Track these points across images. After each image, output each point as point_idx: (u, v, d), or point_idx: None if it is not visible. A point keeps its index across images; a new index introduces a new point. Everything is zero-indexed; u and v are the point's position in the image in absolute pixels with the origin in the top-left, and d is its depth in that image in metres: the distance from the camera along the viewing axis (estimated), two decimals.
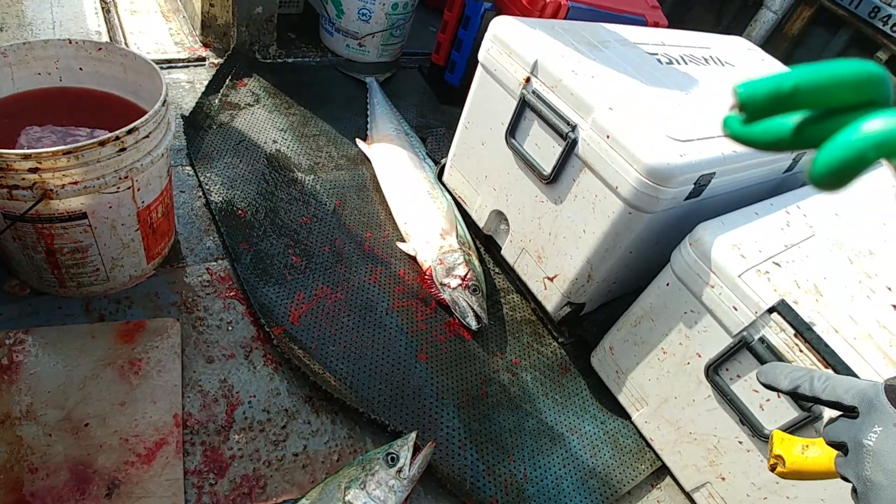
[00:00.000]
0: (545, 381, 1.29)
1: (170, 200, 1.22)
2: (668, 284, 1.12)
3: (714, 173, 1.11)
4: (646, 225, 1.12)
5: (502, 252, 1.41)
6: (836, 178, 0.32)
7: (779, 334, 0.98)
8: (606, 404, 1.30)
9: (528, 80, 1.22)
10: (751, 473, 1.09)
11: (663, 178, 1.04)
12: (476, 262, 1.38)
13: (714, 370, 1.07)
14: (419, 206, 1.44)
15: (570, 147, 1.14)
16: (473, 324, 1.27)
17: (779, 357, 0.98)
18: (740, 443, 1.09)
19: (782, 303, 0.96)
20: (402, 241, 1.43)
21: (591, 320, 1.37)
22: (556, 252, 1.26)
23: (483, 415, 1.18)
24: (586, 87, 1.13)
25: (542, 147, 1.22)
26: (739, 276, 1.01)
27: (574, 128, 1.14)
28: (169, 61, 1.69)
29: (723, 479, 1.14)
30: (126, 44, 1.70)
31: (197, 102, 1.56)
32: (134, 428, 0.98)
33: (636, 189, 1.06)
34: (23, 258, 1.07)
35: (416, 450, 1.01)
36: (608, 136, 1.09)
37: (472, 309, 1.28)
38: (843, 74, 0.32)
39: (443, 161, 1.56)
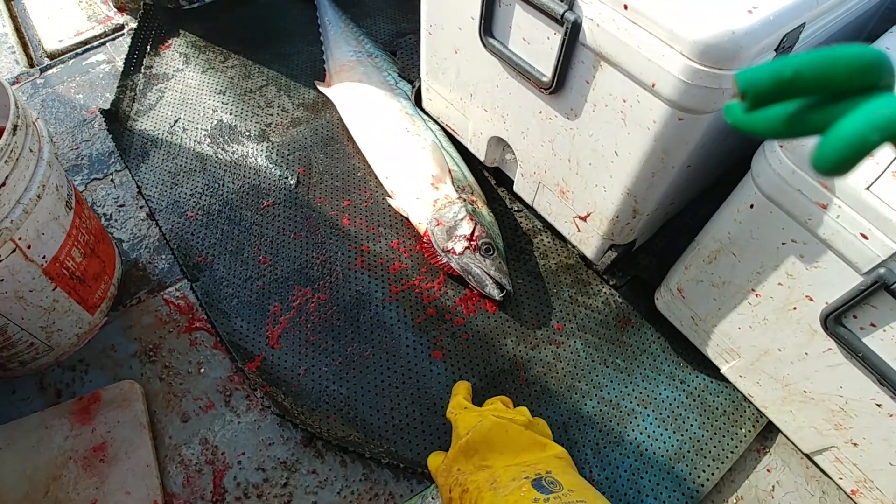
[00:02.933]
0: (601, 345, 0.97)
1: (90, 235, 0.94)
2: (752, 206, 0.73)
3: (803, 24, 0.66)
4: (706, 130, 0.71)
5: (515, 188, 1.04)
6: (840, 163, 0.30)
7: None
8: (685, 356, 0.97)
9: None
10: (895, 440, 0.75)
11: (726, 56, 0.61)
12: (484, 211, 1.02)
13: (836, 320, 0.71)
14: (399, 152, 1.08)
15: (573, 34, 0.72)
16: (496, 293, 0.95)
17: None
18: (879, 406, 0.74)
19: None
20: (391, 197, 1.09)
21: (646, 251, 1.00)
22: (584, 184, 0.87)
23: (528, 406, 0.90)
24: None
25: (534, 42, 0.80)
26: (868, 188, 0.60)
27: (572, 4, 0.71)
28: (85, 43, 1.33)
29: (854, 444, 0.81)
30: (37, 34, 1.35)
31: (117, 87, 1.22)
32: None
33: (685, 82, 0.64)
34: None
35: None
36: (626, 7, 0.66)
37: (489, 275, 0.95)
38: (845, 60, 0.31)
39: (416, 83, 1.15)
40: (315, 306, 0.97)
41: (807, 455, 0.91)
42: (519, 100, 0.88)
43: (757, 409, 0.93)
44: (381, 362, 0.92)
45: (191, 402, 0.90)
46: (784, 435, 0.92)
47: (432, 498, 0.76)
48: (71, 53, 1.30)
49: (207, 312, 0.96)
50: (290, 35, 1.37)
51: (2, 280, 0.79)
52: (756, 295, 0.80)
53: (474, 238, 0.97)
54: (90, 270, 0.93)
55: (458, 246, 0.97)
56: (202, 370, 0.93)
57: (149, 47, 1.29)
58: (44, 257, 0.83)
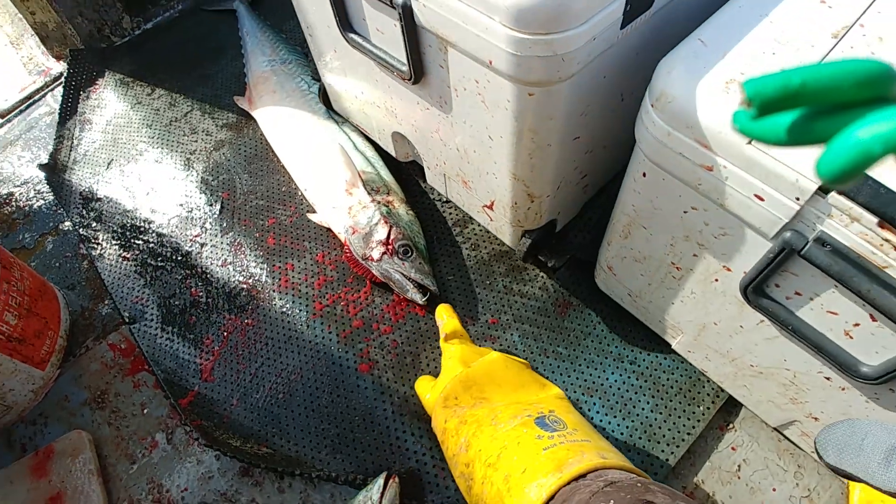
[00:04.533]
0: (539, 334, 0.89)
1: (24, 296, 0.95)
2: (644, 175, 0.63)
3: None
4: (569, 100, 0.61)
5: (428, 181, 0.96)
6: (843, 173, 0.30)
7: (849, 227, 0.48)
8: (633, 335, 0.88)
9: None
10: (855, 412, 0.64)
11: (548, 19, 0.51)
12: (402, 210, 0.96)
13: (757, 291, 0.61)
14: (312, 161, 1.02)
15: (408, 17, 0.63)
16: (418, 298, 0.89)
17: (858, 265, 0.49)
18: (828, 380, 0.64)
19: None
20: (312, 211, 1.04)
21: (579, 227, 0.91)
22: (477, 172, 0.79)
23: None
24: None
25: (387, 33, 0.72)
26: (750, 142, 0.50)
27: None
28: (28, 98, 1.34)
29: (815, 418, 0.71)
30: None
31: (54, 139, 1.22)
32: None
33: (514, 54, 0.55)
34: None
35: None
36: None
37: (410, 278, 0.89)
38: (852, 71, 0.30)
39: (320, 84, 1.08)
40: (244, 334, 0.94)
41: (776, 429, 0.81)
42: (397, 93, 0.80)
43: (716, 384, 0.83)
44: (310, 382, 0.89)
45: (137, 444, 0.91)
46: (748, 409, 0.82)
47: (376, 491, 0.73)
48: (16, 111, 1.33)
49: (144, 353, 0.96)
50: (217, 53, 1.33)
51: None
52: (677, 268, 0.70)
53: (390, 241, 0.91)
54: (29, 329, 0.95)
55: (376, 252, 0.91)
56: (146, 411, 0.93)
57: (81, 92, 1.29)
58: None
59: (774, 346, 0.66)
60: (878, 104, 0.31)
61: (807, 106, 0.32)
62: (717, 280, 0.66)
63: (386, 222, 0.92)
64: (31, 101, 1.34)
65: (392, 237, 0.90)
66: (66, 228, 1.13)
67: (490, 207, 0.83)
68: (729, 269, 0.63)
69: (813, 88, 0.31)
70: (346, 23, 0.76)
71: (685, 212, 0.62)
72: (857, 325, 0.55)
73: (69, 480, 0.88)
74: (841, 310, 0.55)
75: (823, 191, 0.48)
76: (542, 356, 0.88)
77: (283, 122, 1.08)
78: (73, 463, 0.89)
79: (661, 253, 0.70)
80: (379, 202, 0.94)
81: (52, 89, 1.34)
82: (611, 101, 0.70)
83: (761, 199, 0.53)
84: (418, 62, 0.69)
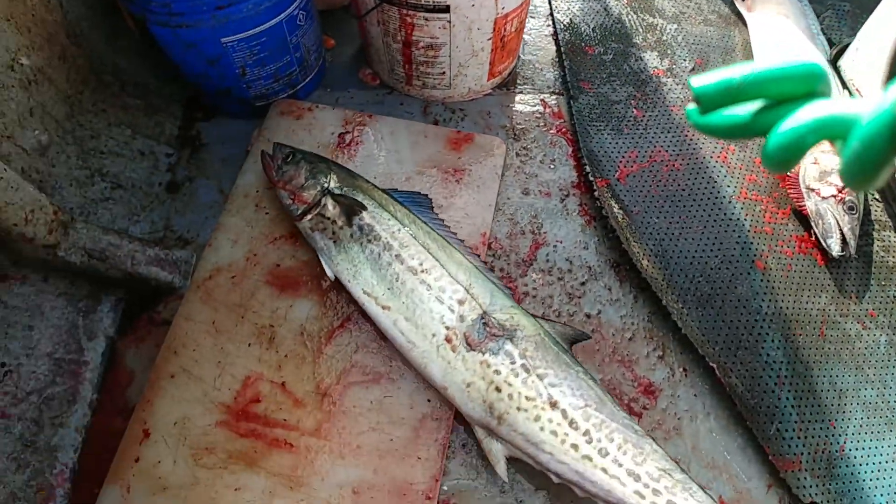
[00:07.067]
0: None
1: (524, 18, 1.07)
2: None
3: None
4: None
5: None
6: (782, 159, 0.34)
7: None
8: None
9: None
10: None
11: None
12: None
13: None
14: None
15: None
16: (836, 248, 0.95)
17: None
18: None
19: None
20: None
21: None
22: None
23: (813, 360, 0.90)
24: None
25: None
26: None
27: None
28: None
29: None
30: None
31: None
32: None
33: None
34: (381, 45, 1.04)
35: None
36: None
37: (840, 229, 0.95)
38: (786, 70, 0.35)
39: (846, 41, 1.14)
40: (668, 169, 1.03)
41: None
42: None
43: None
44: (706, 242, 0.95)
45: (534, 184, 1.02)
46: None
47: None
48: None
49: (576, 126, 1.06)
50: None
51: (473, 5, 0.93)
52: None
53: (844, 191, 0.96)
54: (510, 44, 1.07)
55: (826, 190, 0.97)
56: (553, 166, 1.04)
57: None
58: (503, 8, 0.97)
59: None
60: (809, 98, 0.35)
61: (746, 100, 0.37)
62: None
63: None
64: None
65: (847, 189, 0.96)
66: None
67: None
68: None
69: (751, 84, 0.35)
70: None
71: None
72: None
73: (475, 168, 1.00)
74: None
75: None
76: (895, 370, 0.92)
77: (778, 47, 1.15)
78: (485, 157, 1.01)
79: None
80: None
81: None
82: None
83: None
84: None
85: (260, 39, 0.95)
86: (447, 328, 0.77)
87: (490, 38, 1.01)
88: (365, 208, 0.84)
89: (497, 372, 0.74)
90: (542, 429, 0.71)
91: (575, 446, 0.70)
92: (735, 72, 0.36)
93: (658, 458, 0.71)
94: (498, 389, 0.73)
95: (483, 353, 0.75)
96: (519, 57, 1.15)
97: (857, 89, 1.09)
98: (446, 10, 0.94)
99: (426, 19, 0.96)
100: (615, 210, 0.97)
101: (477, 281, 0.80)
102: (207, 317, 0.89)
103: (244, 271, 0.92)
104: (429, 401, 0.82)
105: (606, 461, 0.70)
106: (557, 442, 0.71)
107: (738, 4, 1.25)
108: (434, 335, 0.77)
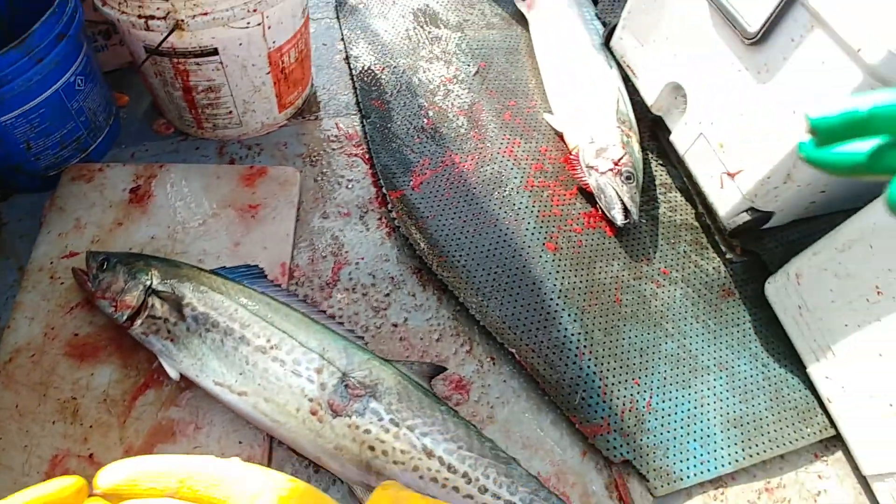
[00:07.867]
0: (698, 301, 1.01)
1: (305, 48, 1.09)
2: None
3: None
4: None
5: (671, 137, 1.09)
6: None
7: None
8: (774, 346, 0.99)
9: None
10: None
11: None
12: (635, 146, 1.08)
13: None
14: (574, 75, 1.16)
15: None
16: (619, 218, 1.01)
17: None
18: None
19: None
20: (550, 113, 1.18)
21: (775, 237, 1.02)
22: (746, 139, 0.92)
23: (611, 325, 0.96)
24: None
25: None
26: None
27: None
28: None
29: None
30: None
31: None
32: None
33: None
34: (164, 94, 1.04)
35: None
36: None
37: (621, 200, 1.02)
38: None
39: (613, 22, 1.23)
40: (458, 171, 1.07)
41: (864, 478, 0.90)
42: (714, 48, 0.94)
43: (827, 419, 0.93)
44: (499, 234, 1.01)
45: (333, 206, 1.04)
46: (847, 451, 0.92)
47: None
48: None
49: (369, 145, 1.09)
50: None
51: (240, 44, 0.96)
52: (878, 293, 0.82)
53: (620, 163, 1.03)
54: (293, 75, 1.09)
55: (603, 165, 1.04)
56: (350, 186, 1.06)
57: None
58: (274, 42, 0.99)
59: None
60: None
61: (873, 135, 0.31)
62: None
63: (623, 147, 1.04)
64: None
65: (623, 160, 1.03)
66: (331, 23, 1.28)
67: (731, 175, 0.95)
68: None
69: (882, 117, 0.30)
70: None
71: None
72: None
73: (271, 201, 1.00)
74: None
75: None
76: (693, 319, 0.99)
77: (555, 37, 1.22)
78: (280, 189, 1.02)
79: (870, 273, 0.82)
80: (622, 130, 1.07)
81: None
82: None
83: None
84: (769, 29, 0.82)
85: (39, 111, 0.93)
86: (310, 400, 0.74)
87: (269, 73, 1.03)
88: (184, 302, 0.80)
89: (367, 431, 0.73)
90: (421, 477, 0.72)
91: (456, 489, 0.72)
92: (861, 102, 0.31)
93: (525, 480, 0.75)
94: (371, 448, 0.73)
95: (350, 417, 0.73)
96: (312, 84, 1.18)
97: (628, 66, 1.18)
98: (215, 52, 0.95)
99: (198, 64, 0.97)
100: (406, 220, 1.00)
101: (329, 343, 0.78)
102: (10, 401, 0.84)
103: (42, 347, 0.89)
104: (240, 443, 0.81)
105: (487, 497, 0.72)
106: (439, 487, 0.72)
107: (518, 4, 1.33)
108: (298, 409, 0.74)
